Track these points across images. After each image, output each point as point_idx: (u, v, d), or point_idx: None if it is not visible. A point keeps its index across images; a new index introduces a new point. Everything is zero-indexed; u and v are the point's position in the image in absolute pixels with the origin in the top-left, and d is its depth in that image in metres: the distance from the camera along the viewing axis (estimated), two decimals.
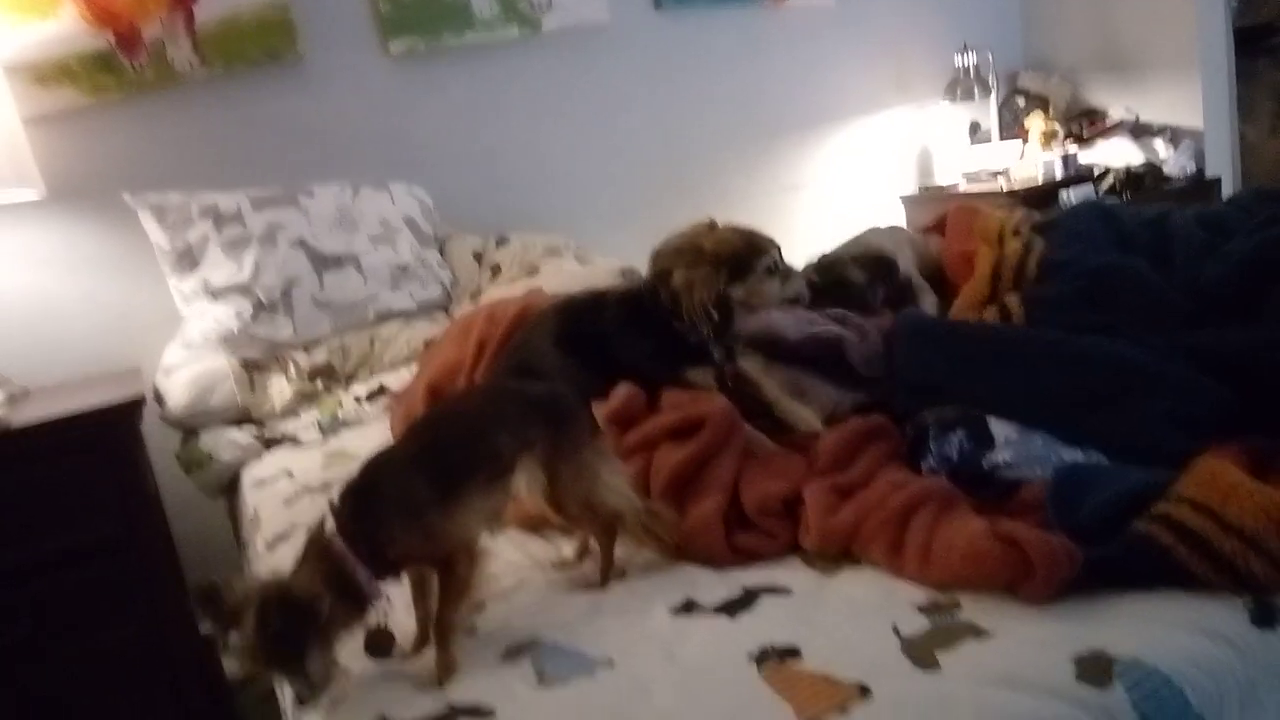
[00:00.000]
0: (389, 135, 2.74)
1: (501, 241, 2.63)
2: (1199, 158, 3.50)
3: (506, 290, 2.33)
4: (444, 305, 2.49)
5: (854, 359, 1.55)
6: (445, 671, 1.04)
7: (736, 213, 3.29)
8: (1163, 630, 0.92)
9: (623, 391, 1.43)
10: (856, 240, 2.17)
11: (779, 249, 1.53)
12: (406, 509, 1.05)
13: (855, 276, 1.92)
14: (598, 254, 2.70)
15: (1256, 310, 1.30)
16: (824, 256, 2.03)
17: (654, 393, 1.46)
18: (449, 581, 1.07)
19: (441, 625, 1.07)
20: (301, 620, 0.96)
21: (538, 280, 2.35)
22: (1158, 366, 1.21)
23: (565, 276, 2.36)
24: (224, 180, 2.38)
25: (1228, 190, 3.53)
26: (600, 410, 1.39)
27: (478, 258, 2.61)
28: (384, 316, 2.36)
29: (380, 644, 1.10)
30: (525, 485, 1.14)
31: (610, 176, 3.12)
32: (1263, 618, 0.93)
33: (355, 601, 1.02)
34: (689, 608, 1.10)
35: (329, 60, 2.63)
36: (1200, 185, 3.42)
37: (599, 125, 3.09)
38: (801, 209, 3.51)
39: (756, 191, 3.41)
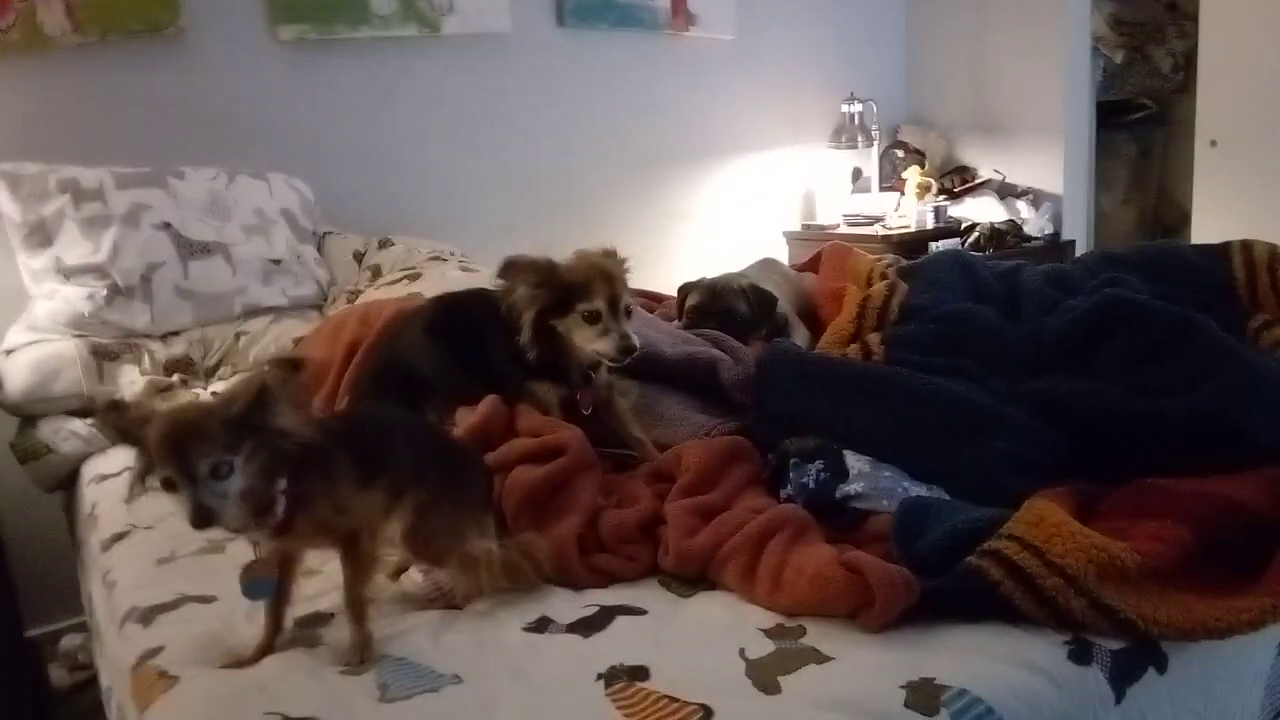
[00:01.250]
0: (272, 123, 2.64)
1: (384, 243, 2.57)
2: (1057, 220, 3.75)
3: (385, 293, 2.28)
4: (318, 304, 2.42)
5: (726, 381, 1.59)
6: (365, 650, 1.02)
7: (624, 235, 3.31)
8: (988, 662, 0.97)
9: (485, 409, 1.43)
10: (741, 273, 2.23)
11: (615, 302, 1.44)
12: (329, 475, 1.04)
13: (740, 307, 1.98)
14: (483, 264, 2.68)
15: (1088, 363, 1.40)
16: (714, 282, 2.07)
17: (512, 405, 1.46)
18: (354, 557, 1.05)
19: (355, 602, 1.05)
20: (228, 434, 0.93)
21: (419, 285, 2.30)
22: (999, 409, 1.29)
23: (448, 284, 2.31)
24: (88, 154, 2.24)
25: (1081, 253, 3.79)
26: (461, 425, 1.38)
27: (358, 258, 2.54)
28: (251, 311, 2.27)
29: (259, 576, 1.06)
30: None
31: (501, 187, 3.10)
32: (1079, 654, 0.99)
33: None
34: (542, 625, 1.10)
35: (213, 39, 2.53)
36: (1056, 246, 3.67)
37: (494, 135, 3.07)
38: (689, 238, 3.57)
39: (646, 215, 3.46)
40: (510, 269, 1.48)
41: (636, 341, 1.44)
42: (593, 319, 1.43)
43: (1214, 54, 3.43)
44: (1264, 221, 3.06)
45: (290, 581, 1.10)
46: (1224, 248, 1.62)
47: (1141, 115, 4.49)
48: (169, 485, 0.93)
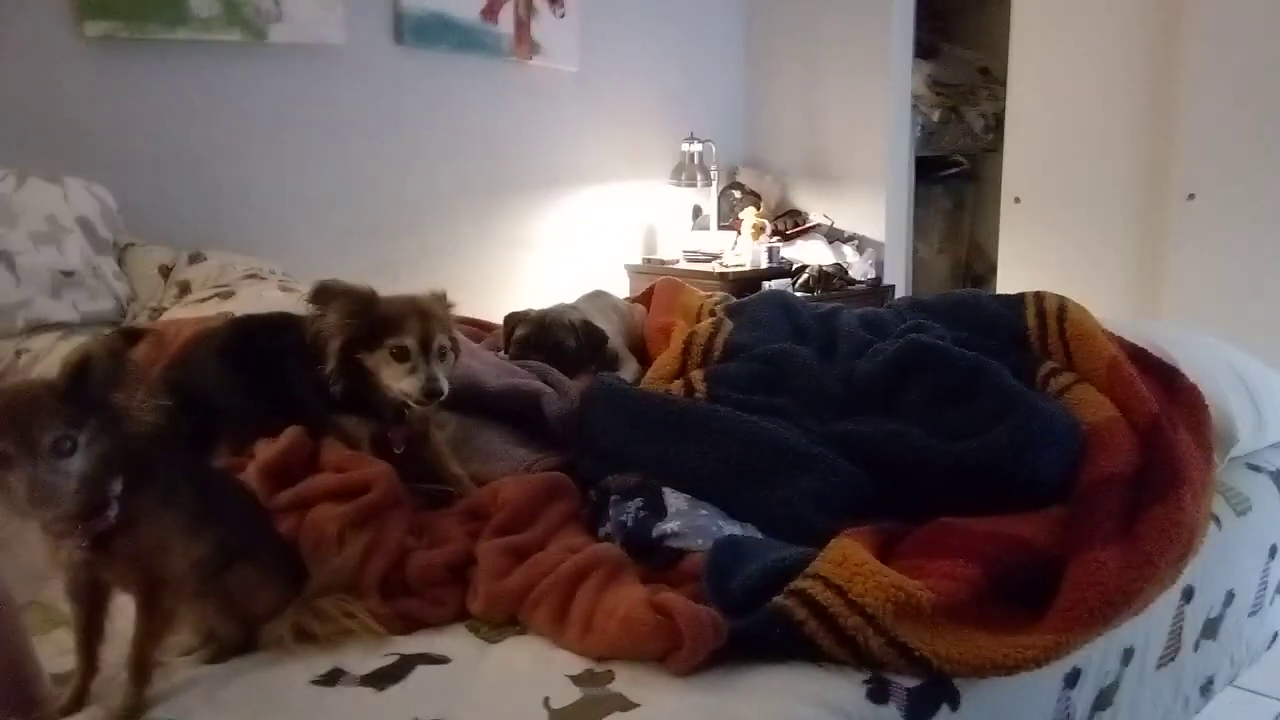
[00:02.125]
0: (72, 124, 2.43)
1: (196, 258, 2.40)
2: (879, 266, 3.96)
3: (193, 311, 2.12)
4: (115, 320, 2.22)
5: (549, 413, 1.56)
6: (134, 714, 0.93)
7: (462, 262, 3.30)
8: (792, 703, 0.98)
9: (284, 441, 1.33)
10: (572, 305, 2.21)
11: (427, 342, 1.37)
12: (167, 502, 0.97)
13: (569, 342, 1.95)
14: (307, 284, 2.55)
15: (894, 405, 1.47)
16: (543, 314, 2.04)
17: (315, 440, 1.38)
18: (154, 611, 0.96)
19: (140, 661, 0.96)
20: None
21: (231, 304, 2.16)
22: (808, 448, 1.32)
23: (264, 304, 2.18)
24: None
25: (899, 297, 4.02)
26: (257, 459, 1.29)
27: (164, 272, 2.36)
28: (37, 326, 2.05)
29: None
30: None
31: (333, 205, 2.97)
32: (877, 693, 1.01)
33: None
34: (333, 678, 1.02)
35: (9, 28, 2.30)
36: (878, 289, 3.87)
37: (325, 150, 2.94)
38: (530, 267, 3.54)
39: (486, 243, 3.41)
40: (324, 293, 1.40)
41: (444, 385, 1.37)
42: (401, 356, 1.36)
43: (1019, 116, 3.73)
44: (1060, 274, 3.35)
45: (102, 615, 1.00)
46: (1019, 298, 1.73)
47: (955, 171, 4.83)
48: (3, 461, 0.84)
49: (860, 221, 4.01)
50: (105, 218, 2.32)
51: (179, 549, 0.97)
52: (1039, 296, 1.71)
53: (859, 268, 3.85)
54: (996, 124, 4.34)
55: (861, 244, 3.97)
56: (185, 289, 2.31)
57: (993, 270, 4.06)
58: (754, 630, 1.05)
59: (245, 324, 1.58)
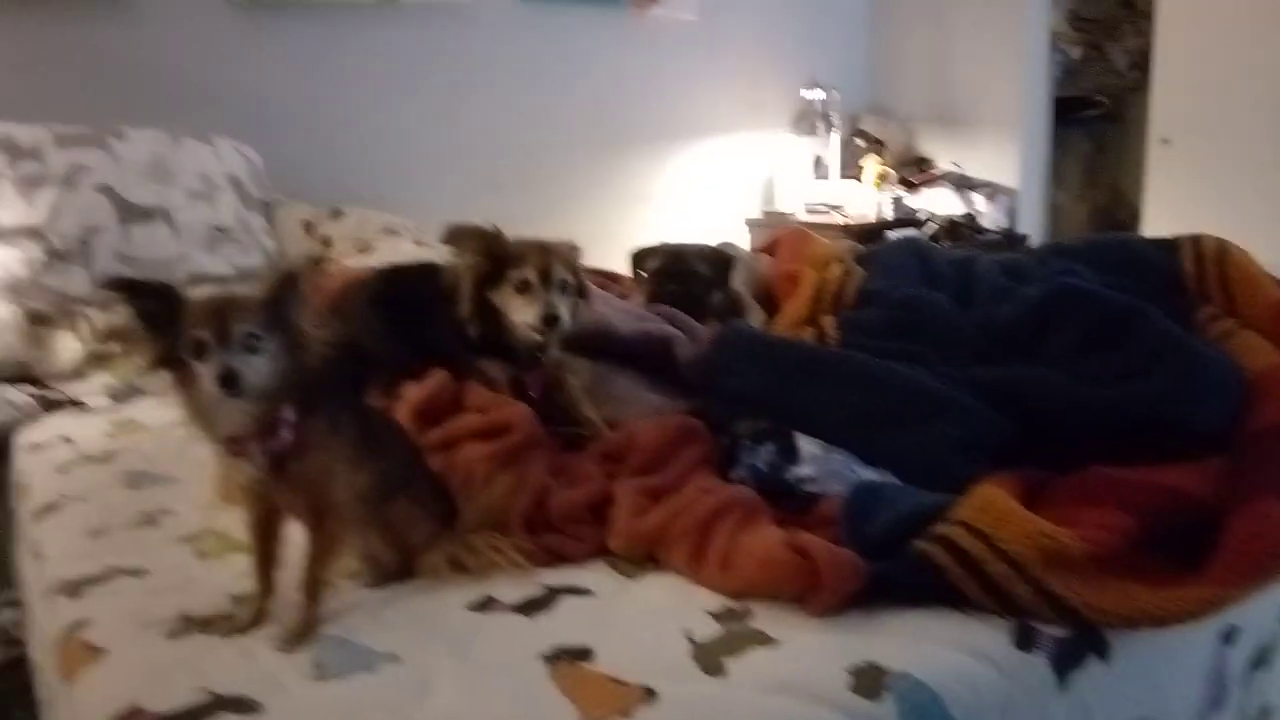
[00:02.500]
0: (221, 86, 2.56)
1: (336, 214, 2.52)
2: (1012, 214, 3.79)
3: (336, 266, 2.23)
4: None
5: (681, 358, 1.57)
6: (309, 632, 1.00)
7: (583, 216, 3.33)
8: (933, 647, 0.97)
9: (432, 383, 1.40)
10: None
11: (546, 273, 1.41)
12: (333, 432, 1.03)
13: (701, 269, 1.98)
14: (437, 239, 2.63)
15: (1038, 351, 1.41)
16: (675, 246, 2.07)
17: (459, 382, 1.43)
18: (322, 535, 1.03)
19: (312, 581, 1.03)
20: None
21: (370, 258, 2.26)
22: (949, 395, 1.29)
23: (400, 257, 2.28)
24: (25, 111, 2.16)
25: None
26: (407, 399, 1.35)
27: (308, 228, 2.49)
28: (195, 279, 2.19)
29: None
30: None
31: (458, 161, 3.05)
32: (1023, 640, 0.99)
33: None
34: (486, 605, 1.08)
35: None
36: (1011, 240, 3.70)
37: (451, 107, 3.01)
38: (649, 221, 3.55)
39: (606, 197, 3.43)
40: (456, 234, 1.45)
41: (562, 313, 1.41)
42: (522, 288, 1.41)
43: (1169, 53, 3.48)
44: (1213, 219, 3.10)
45: (275, 542, 1.07)
46: (1174, 241, 1.64)
47: (1096, 112, 4.55)
48: (198, 349, 0.93)
49: (992, 168, 3.84)
50: (253, 176, 2.45)
51: (344, 477, 1.03)
52: (1196, 240, 1.62)
53: (990, 217, 3.70)
54: (1142, 61, 4.06)
55: (993, 192, 3.80)
56: (327, 244, 2.43)
57: (1135, 217, 3.83)
58: (894, 574, 1.04)
59: (392, 273, 1.65)
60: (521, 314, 1.42)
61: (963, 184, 3.85)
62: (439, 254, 2.23)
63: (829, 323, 1.53)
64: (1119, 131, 4.62)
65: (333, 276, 1.80)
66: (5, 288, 1.99)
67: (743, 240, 3.65)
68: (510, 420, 1.34)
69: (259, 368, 0.95)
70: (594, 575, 1.16)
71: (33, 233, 2.00)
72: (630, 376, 1.64)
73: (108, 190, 2.08)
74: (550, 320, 1.40)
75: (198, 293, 1.03)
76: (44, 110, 2.20)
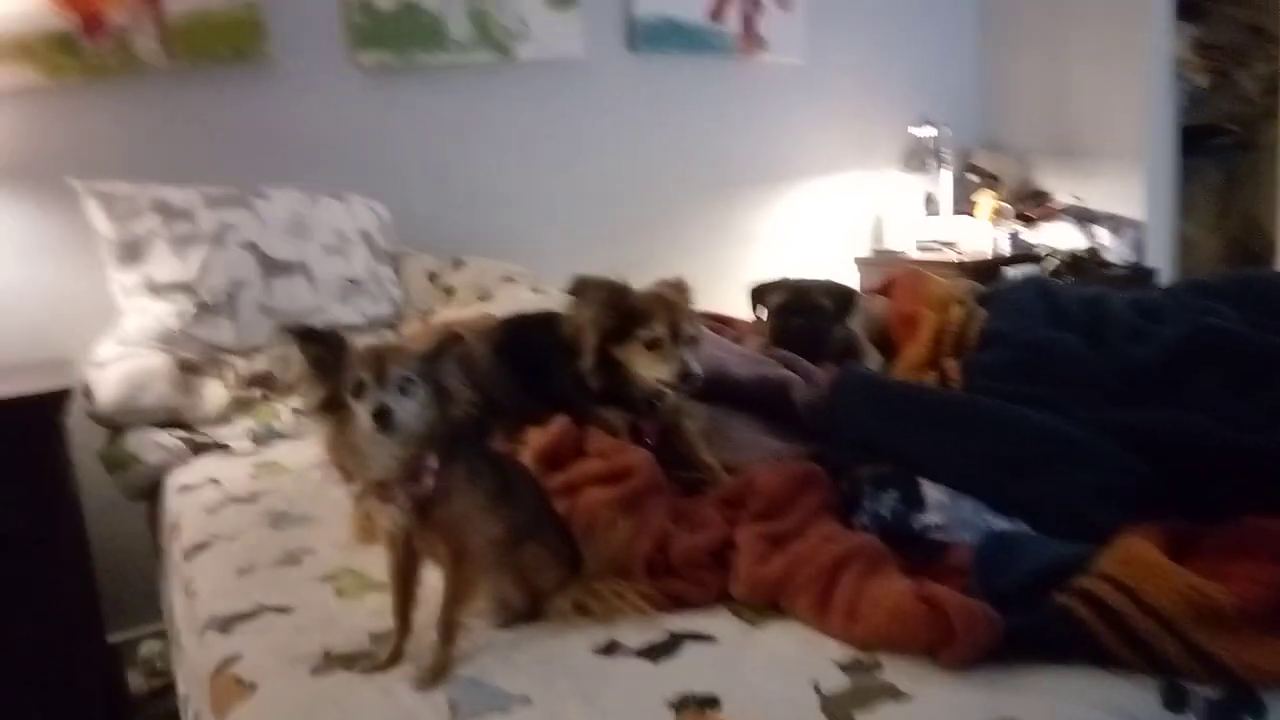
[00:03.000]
0: (352, 147, 2.72)
1: (458, 264, 2.62)
2: (1139, 248, 3.64)
3: (457, 313, 2.32)
4: (392, 323, 2.46)
5: (799, 401, 1.57)
6: (443, 672, 1.04)
7: (693, 259, 3.36)
8: (1076, 705, 0.94)
9: (555, 429, 1.43)
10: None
11: (676, 330, 1.44)
12: (472, 480, 1.09)
13: (824, 303, 1.99)
14: (555, 286, 2.70)
15: (1179, 395, 1.35)
16: (795, 281, 2.07)
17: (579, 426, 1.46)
18: (458, 578, 1.08)
19: (448, 624, 1.07)
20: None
21: (491, 306, 2.34)
22: (1086, 440, 1.24)
23: (519, 304, 2.35)
24: (177, 175, 2.33)
25: (1165, 282, 3.67)
26: (531, 445, 1.39)
27: (432, 278, 2.59)
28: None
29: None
30: None
31: (572, 210, 3.13)
32: (1173, 701, 0.94)
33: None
34: (611, 649, 1.09)
35: (297, 65, 2.61)
36: (1139, 275, 3.55)
37: (565, 158, 3.10)
38: (757, 261, 3.56)
39: (715, 239, 3.46)
40: (581, 287, 1.49)
41: (697, 368, 1.43)
42: (652, 346, 1.44)
43: None
44: None
45: (413, 584, 1.12)
46: None
47: (1227, 141, 4.34)
48: (358, 389, 1.01)
49: (1115, 200, 3.70)
50: (382, 230, 2.58)
51: (481, 524, 1.08)
52: None
53: (1116, 251, 3.56)
54: (1274, 86, 3.86)
55: (1118, 225, 3.66)
56: (450, 293, 2.52)
57: (1272, 248, 3.62)
58: (1031, 628, 1.01)
59: (514, 323, 1.71)
60: (653, 370, 1.45)
61: (1085, 217, 3.72)
62: (556, 300, 2.30)
63: (952, 366, 1.50)
64: (1252, 160, 4.38)
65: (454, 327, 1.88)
66: (159, 339, 2.14)
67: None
68: (631, 465, 1.36)
69: (410, 410, 1.02)
70: (717, 622, 1.16)
71: (184, 288, 2.15)
72: (746, 420, 1.64)
73: (252, 247, 2.22)
74: (685, 377, 1.42)
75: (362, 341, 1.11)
76: (195, 174, 2.37)
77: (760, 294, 2.11)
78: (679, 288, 1.54)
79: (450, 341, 1.06)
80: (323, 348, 1.05)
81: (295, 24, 2.59)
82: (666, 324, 1.44)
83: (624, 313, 1.46)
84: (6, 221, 2.28)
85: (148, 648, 2.32)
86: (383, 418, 0.99)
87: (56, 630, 1.87)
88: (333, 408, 1.04)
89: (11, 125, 2.26)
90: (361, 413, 1.01)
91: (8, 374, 2.06)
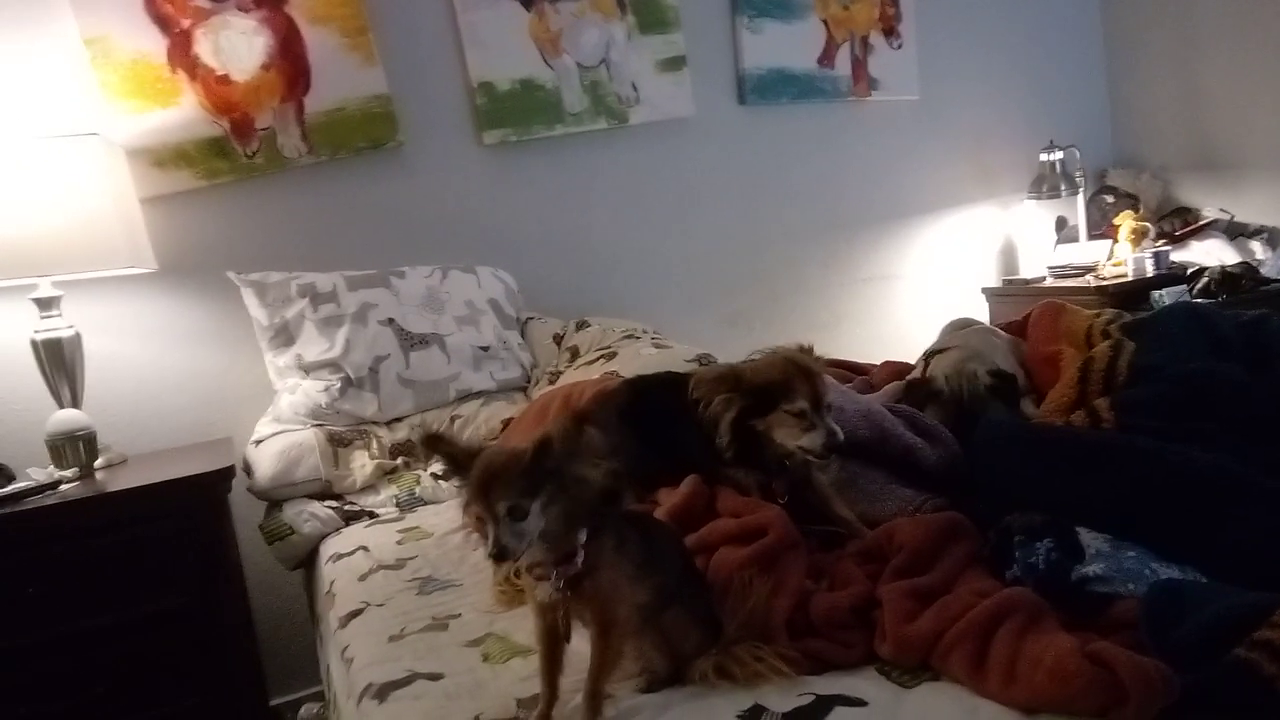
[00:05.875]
0: (479, 220, 2.84)
1: (581, 325, 2.68)
2: None
3: (583, 374, 2.36)
4: (522, 386, 2.53)
5: (927, 468, 1.52)
6: None
7: (814, 303, 3.33)
8: None
9: (686, 489, 1.43)
10: (965, 345, 2.00)
11: (818, 400, 1.44)
12: (620, 549, 1.10)
13: (984, 388, 1.82)
14: (675, 339, 2.73)
15: None
16: (951, 358, 1.90)
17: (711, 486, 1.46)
18: (605, 647, 1.08)
19: (595, 693, 1.08)
20: (541, 470, 1.03)
21: (614, 364, 2.37)
22: (1256, 480, 1.15)
23: (641, 361, 2.37)
24: (323, 260, 2.49)
25: None
26: (663, 505, 1.39)
27: (557, 340, 2.66)
28: (464, 395, 2.41)
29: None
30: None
31: (689, 263, 3.16)
32: None
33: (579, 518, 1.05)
34: (756, 714, 1.07)
35: (426, 148, 2.76)
36: None
37: (680, 213, 3.15)
38: (879, 299, 3.50)
39: (834, 281, 3.42)
40: (700, 385, 1.51)
41: (840, 436, 1.43)
42: (798, 416, 1.43)
43: None
44: None
45: (562, 650, 1.13)
46: None
47: None
48: (480, 521, 1.04)
49: (1269, 211, 3.46)
50: (509, 297, 2.67)
51: (628, 593, 1.09)
52: None
53: (1274, 264, 3.31)
54: None
55: (1273, 237, 3.42)
56: (575, 353, 2.57)
57: None
58: (1210, 686, 0.93)
59: (639, 385, 1.73)
60: (800, 441, 1.44)
61: (1235, 231, 3.50)
62: (678, 355, 2.32)
63: (1103, 405, 1.42)
64: None
65: (569, 398, 1.92)
66: (310, 414, 2.28)
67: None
68: (765, 523, 1.34)
69: (527, 531, 1.02)
70: (865, 683, 1.12)
71: (331, 365, 2.28)
72: (880, 471, 1.60)
73: (391, 323, 2.34)
74: (834, 447, 1.43)
75: (489, 447, 1.12)
76: (338, 256, 2.54)
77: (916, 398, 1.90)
78: (809, 352, 1.53)
79: (546, 445, 1.04)
80: (454, 463, 1.07)
81: (423, 111, 2.74)
82: (809, 396, 1.44)
83: (759, 389, 1.46)
84: (173, 313, 2.48)
85: (306, 710, 2.43)
86: (497, 556, 1.01)
87: (221, 697, 1.98)
88: None
89: (174, 225, 2.47)
90: (487, 544, 1.02)
91: (176, 456, 2.23)
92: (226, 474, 2.02)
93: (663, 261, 3.12)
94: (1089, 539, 1.18)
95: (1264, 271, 3.30)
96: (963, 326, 2.28)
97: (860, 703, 1.07)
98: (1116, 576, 1.12)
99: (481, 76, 2.79)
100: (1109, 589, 1.13)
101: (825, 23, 3.29)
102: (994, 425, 1.46)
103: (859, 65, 3.36)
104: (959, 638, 1.09)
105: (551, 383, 2.43)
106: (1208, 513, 1.15)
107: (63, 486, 1.99)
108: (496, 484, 1.02)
